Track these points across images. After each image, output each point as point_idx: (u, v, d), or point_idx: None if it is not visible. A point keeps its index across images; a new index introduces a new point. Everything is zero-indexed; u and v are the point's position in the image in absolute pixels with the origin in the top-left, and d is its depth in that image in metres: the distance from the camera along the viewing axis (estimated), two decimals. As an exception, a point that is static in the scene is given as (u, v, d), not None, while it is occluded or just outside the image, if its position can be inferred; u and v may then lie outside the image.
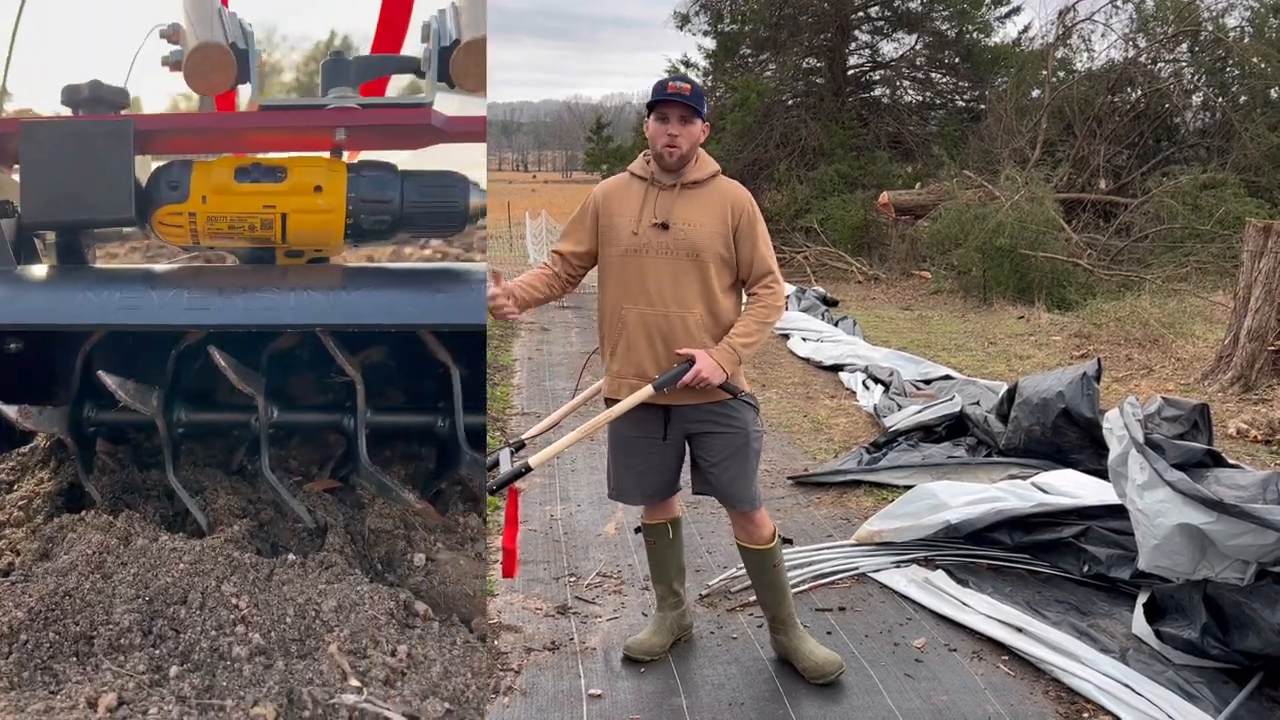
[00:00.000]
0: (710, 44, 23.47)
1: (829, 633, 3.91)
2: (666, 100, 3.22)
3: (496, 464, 3.67)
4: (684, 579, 3.91)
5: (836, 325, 11.21)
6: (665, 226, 3.27)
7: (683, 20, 23.31)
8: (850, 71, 22.89)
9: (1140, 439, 3.59)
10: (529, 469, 3.42)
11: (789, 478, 5.87)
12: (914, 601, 4.14)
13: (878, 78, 23.42)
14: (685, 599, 3.91)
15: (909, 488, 5.50)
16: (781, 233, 19.26)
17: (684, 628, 3.88)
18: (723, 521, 5.12)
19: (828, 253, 17.75)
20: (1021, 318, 12.14)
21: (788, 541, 4.10)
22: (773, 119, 20.97)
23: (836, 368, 9.21)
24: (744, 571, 4.33)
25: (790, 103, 21.82)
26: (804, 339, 10.61)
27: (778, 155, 20.63)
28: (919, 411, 6.64)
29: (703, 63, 23.88)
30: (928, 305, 14.01)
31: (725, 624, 4.03)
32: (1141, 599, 3.78)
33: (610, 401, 3.47)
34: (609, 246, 3.38)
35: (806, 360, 9.87)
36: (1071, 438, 5.40)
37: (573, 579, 4.51)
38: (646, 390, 3.28)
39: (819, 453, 6.47)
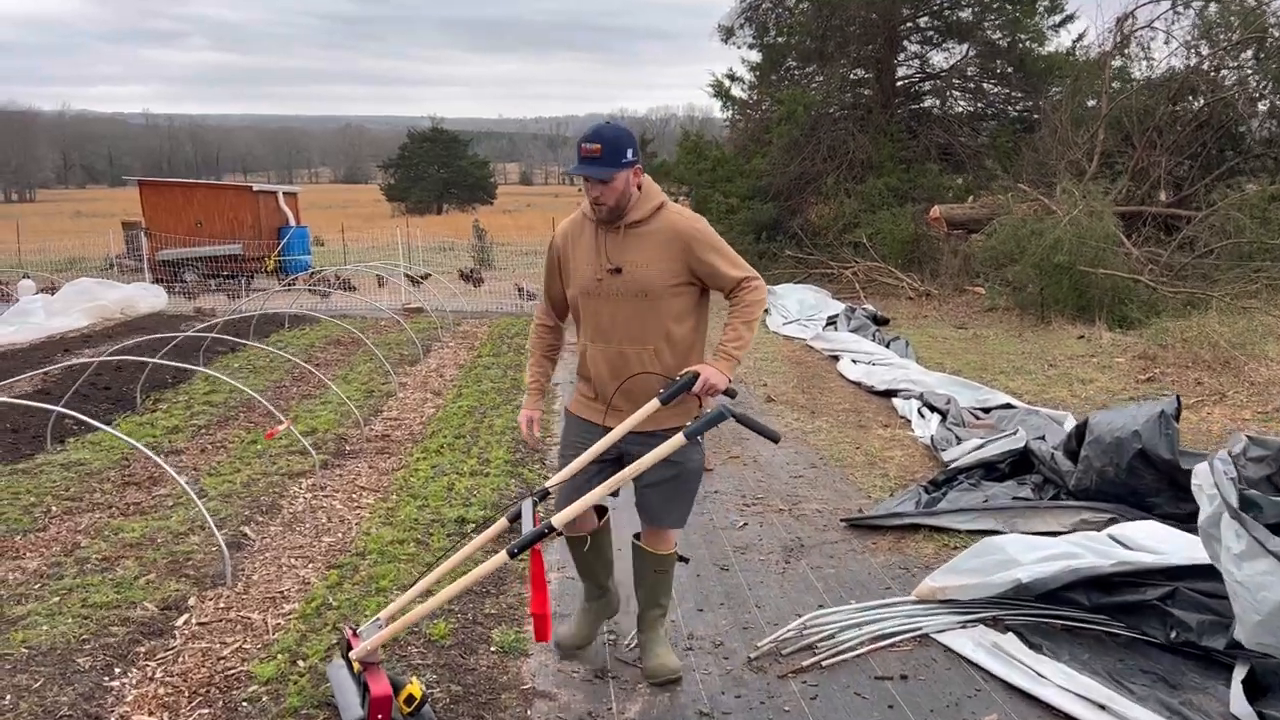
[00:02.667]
0: (755, 57, 23.14)
1: (890, 706, 3.58)
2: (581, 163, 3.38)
3: (519, 516, 3.42)
4: (610, 572, 4.01)
5: (888, 346, 10.84)
6: (618, 271, 3.46)
7: (726, 34, 23.01)
8: (899, 82, 22.42)
9: (1234, 502, 3.22)
10: (552, 530, 3.18)
11: (843, 520, 5.53)
12: (982, 669, 3.79)
13: (927, 88, 22.92)
14: (611, 588, 4.04)
15: (972, 533, 5.19)
16: (829, 247, 18.88)
17: (610, 614, 4.11)
18: (772, 571, 4.81)
19: (877, 268, 17.32)
20: (1082, 337, 11.67)
21: (684, 560, 3.95)
22: (820, 132, 20.59)
23: (889, 393, 8.84)
24: (795, 630, 4.07)
25: (838, 115, 21.39)
26: (854, 361, 10.26)
27: (825, 168, 20.23)
28: (980, 446, 6.27)
29: (748, 76, 23.56)
30: (982, 323, 13.56)
31: (776, 693, 3.70)
32: (1239, 674, 3.41)
33: (571, 414, 3.78)
34: (571, 287, 3.63)
35: (858, 384, 9.51)
36: (1148, 480, 5.02)
37: (613, 637, 4.21)
38: (653, 404, 3.40)
39: (874, 490, 6.12)
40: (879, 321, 12.80)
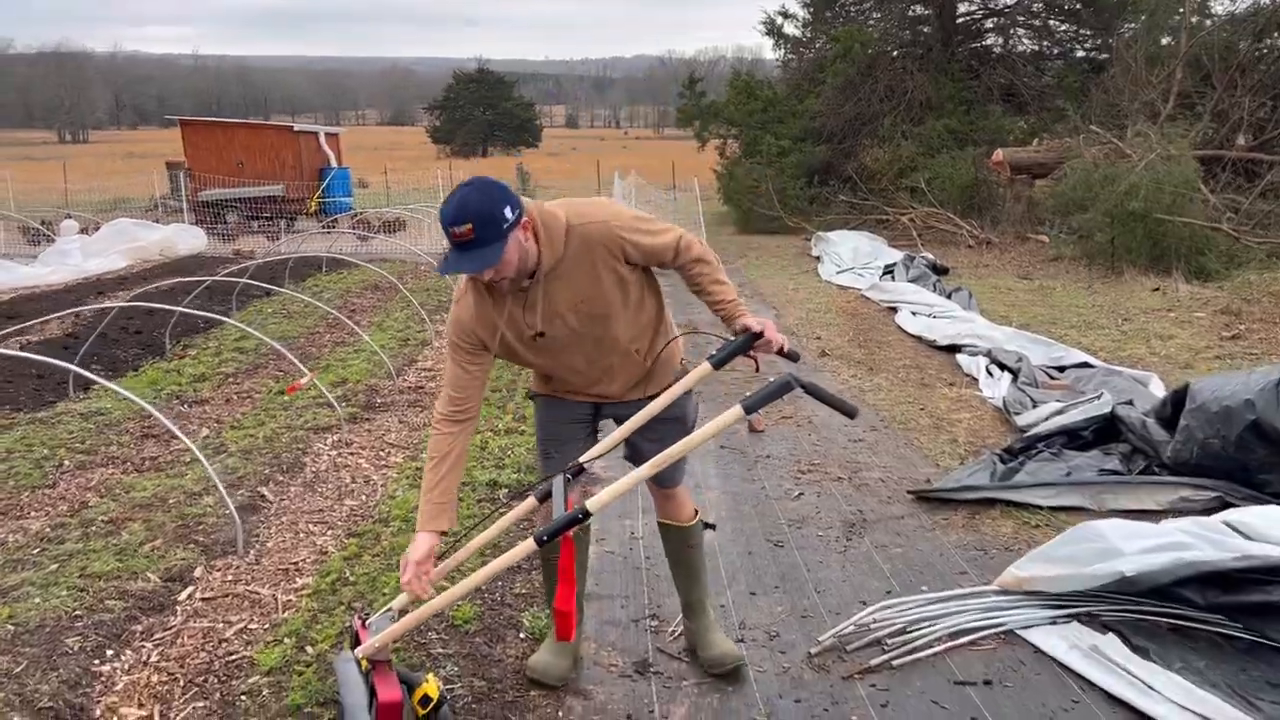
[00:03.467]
0: (810, -7, 22.21)
1: (974, 718, 3.11)
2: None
3: (549, 496, 2.99)
4: (584, 586, 3.64)
5: (950, 297, 10.23)
6: (545, 332, 2.94)
7: (780, -33, 22.08)
8: (960, 19, 21.42)
9: None
10: (587, 515, 2.74)
11: (910, 492, 5.03)
12: (1079, 675, 3.31)
13: (990, 26, 21.90)
14: (581, 606, 3.53)
15: (1054, 509, 4.68)
16: (884, 192, 18.13)
17: (580, 640, 3.56)
18: (832, 549, 4.35)
19: (935, 214, 16.59)
20: (1157, 289, 10.96)
21: (710, 527, 3.55)
22: (876, 71, 19.74)
23: (953, 348, 8.28)
24: (863, 621, 3.61)
25: (895, 53, 20.51)
26: (914, 313, 9.69)
27: (882, 109, 19.42)
28: (1061, 411, 5.72)
29: (801, 12, 22.65)
30: (1047, 273, 12.85)
31: (841, 697, 3.25)
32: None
33: (546, 395, 3.27)
34: (507, 353, 3.04)
35: (918, 338, 8.94)
36: (1261, 455, 4.46)
37: (655, 623, 3.78)
38: (704, 368, 2.97)
39: (941, 457, 5.61)
40: (939, 271, 12.16)
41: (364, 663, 2.91)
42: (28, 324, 6.98)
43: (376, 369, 7.83)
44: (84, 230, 17.58)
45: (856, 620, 3.64)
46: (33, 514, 4.89)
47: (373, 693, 2.80)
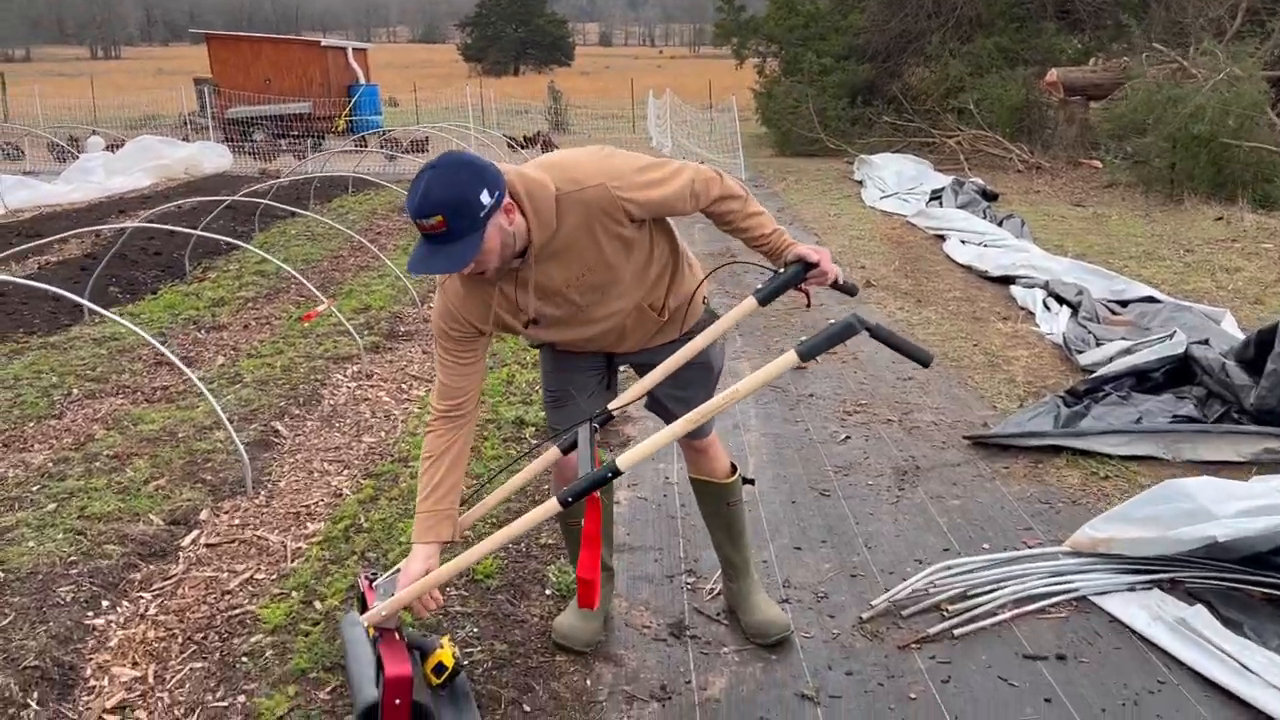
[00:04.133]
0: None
1: (1048, 700, 2.79)
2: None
3: (573, 447, 2.68)
4: (611, 547, 3.27)
5: (1000, 225, 9.73)
6: (545, 313, 2.58)
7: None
8: (1014, -70, 20.37)
9: None
10: (616, 473, 2.43)
11: (966, 437, 4.68)
12: (1163, 651, 2.98)
13: (1045, -64, 20.82)
14: (611, 566, 3.26)
15: (1125, 459, 4.32)
16: (930, 113, 17.44)
17: (609, 599, 3.25)
18: (882, 500, 4.02)
19: (983, 137, 15.93)
20: (1220, 219, 10.39)
21: (749, 481, 3.18)
22: (924, -15, 18.88)
23: (1006, 279, 7.83)
24: (921, 582, 3.30)
25: (945, -34, 19.58)
26: (963, 241, 9.22)
27: (929, 26, 18.58)
28: (1129, 350, 5.32)
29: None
30: (1102, 200, 12.27)
31: (897, 670, 2.94)
32: None
33: (543, 343, 2.85)
34: (506, 333, 2.71)
35: (968, 269, 8.49)
36: (1359, 405, 4.06)
37: (691, 580, 3.48)
38: (748, 304, 2.66)
39: (998, 399, 5.23)
40: (988, 197, 11.61)
41: (370, 629, 2.63)
42: (46, 241, 6.71)
43: (400, 295, 7.52)
44: (110, 147, 17.29)
45: (912, 584, 3.32)
46: (36, 446, 4.65)
47: (380, 663, 2.53)
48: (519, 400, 5.11)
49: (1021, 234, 9.38)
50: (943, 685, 2.87)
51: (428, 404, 5.07)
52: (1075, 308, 6.53)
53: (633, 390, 2.76)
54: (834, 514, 3.96)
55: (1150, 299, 6.70)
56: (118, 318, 4.26)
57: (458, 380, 2.60)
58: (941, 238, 9.71)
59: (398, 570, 2.71)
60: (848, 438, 4.76)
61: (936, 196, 11.66)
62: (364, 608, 2.76)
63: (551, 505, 2.50)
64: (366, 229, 10.78)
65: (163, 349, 4.12)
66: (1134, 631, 3.08)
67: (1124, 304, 6.72)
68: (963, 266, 8.59)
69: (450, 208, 2.21)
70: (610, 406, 2.77)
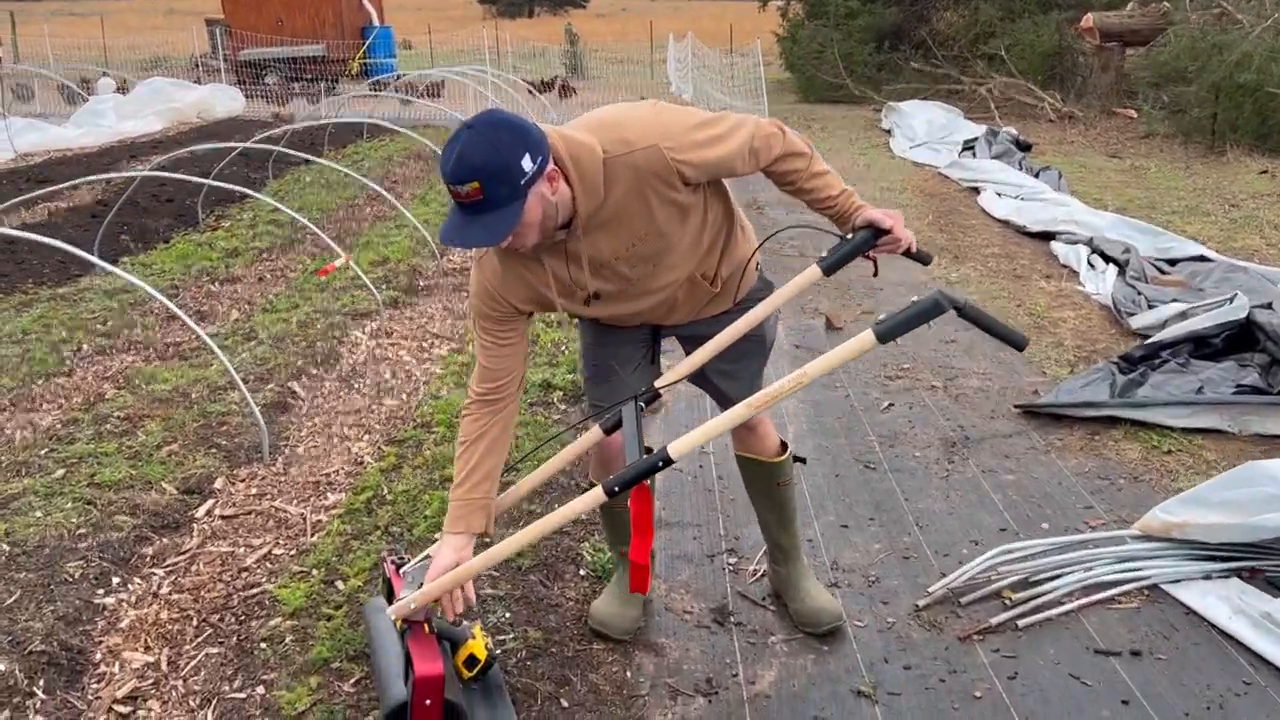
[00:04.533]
0: None
1: (1125, 702, 2.59)
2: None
3: (616, 427, 2.48)
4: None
5: (1037, 176, 9.40)
6: (599, 290, 2.35)
7: None
8: None
9: None
10: (668, 462, 2.22)
11: (1017, 406, 4.45)
12: (1247, 648, 2.77)
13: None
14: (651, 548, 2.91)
15: (1187, 431, 4.09)
16: (959, 60, 16.95)
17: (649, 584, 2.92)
18: (932, 474, 3.82)
19: (1014, 85, 15.46)
20: (1265, 172, 10.03)
21: (801, 461, 2.97)
22: (955, -76, 18.27)
23: (1046, 235, 7.54)
24: (981, 567, 3.10)
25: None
26: (999, 194, 8.90)
27: (958, -32, 18.02)
28: (1185, 314, 5.06)
29: None
30: (1139, 152, 11.88)
31: (959, 665, 2.75)
32: None
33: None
34: (552, 311, 2.45)
35: (1005, 223, 8.19)
36: None
37: (733, 560, 3.29)
38: (810, 274, 2.44)
39: (1047, 364, 4.99)
40: (1022, 148, 11.24)
41: (398, 622, 2.44)
42: (57, 189, 6.48)
43: (419, 247, 7.29)
44: (120, 89, 16.99)
45: (972, 570, 3.12)
46: (44, 406, 4.47)
47: (409, 659, 2.34)
48: (545, 362, 4.89)
49: (1059, 187, 9.06)
50: (1009, 682, 2.68)
51: (450, 363, 4.86)
52: (1122, 266, 6.26)
53: (681, 367, 2.54)
54: (881, 489, 3.75)
55: (1201, 258, 6.41)
56: (127, 274, 4.05)
57: (497, 362, 2.38)
58: (976, 190, 9.39)
59: (427, 557, 2.52)
60: (891, 405, 4.54)
61: (969, 147, 11.30)
62: (390, 594, 2.57)
63: (596, 495, 2.29)
64: (383, 176, 10.52)
65: (175, 309, 3.91)
66: (1213, 625, 2.87)
67: (1172, 263, 6.45)
68: (1000, 221, 8.28)
69: (488, 174, 1.97)
70: (657, 385, 2.54)
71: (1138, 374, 4.54)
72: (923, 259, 2.59)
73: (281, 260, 7.15)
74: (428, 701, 2.28)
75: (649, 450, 2.40)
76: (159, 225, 8.32)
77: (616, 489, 2.26)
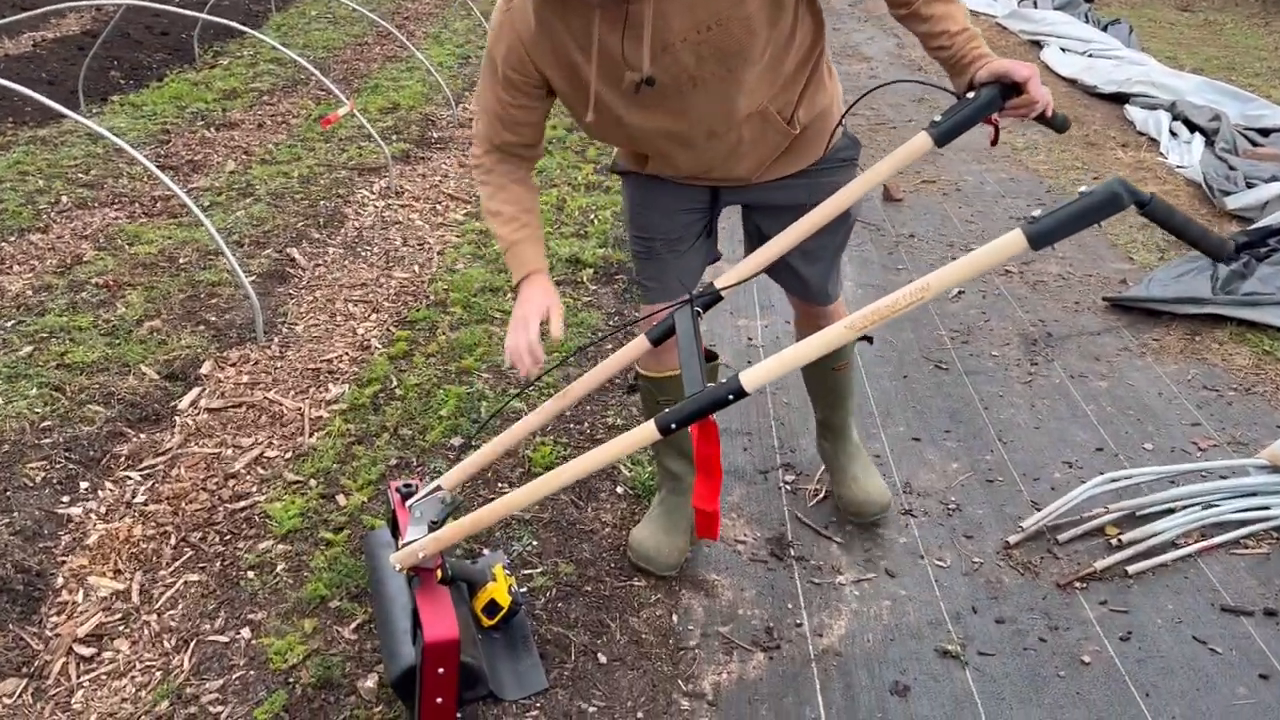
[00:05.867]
0: None
1: (1264, 676, 2.19)
2: None
3: (666, 336, 2.04)
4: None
5: (1105, 30, 8.60)
6: (654, 76, 1.79)
7: None
8: None
9: None
10: (740, 394, 1.76)
11: (1105, 299, 3.95)
12: (1403, 612, 2.36)
13: None
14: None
15: (1305, 336, 3.60)
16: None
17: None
18: (1012, 377, 3.35)
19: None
20: (1353, 32, 9.21)
21: (868, 340, 2.46)
22: None
23: (1119, 97, 6.86)
24: (1080, 499, 2.67)
25: None
26: (1064, 49, 8.14)
27: None
28: (1295, 195, 4.49)
29: None
30: (1212, 5, 10.96)
31: (1061, 621, 2.34)
32: None
33: (645, 176, 2.17)
34: (587, 111, 1.87)
35: (1073, 82, 7.48)
36: None
37: (791, 478, 2.87)
38: (919, 143, 1.89)
39: (1134, 249, 4.46)
40: (1088, -2, 10.35)
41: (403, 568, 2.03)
42: (41, 13, 5.85)
43: (433, 93, 6.67)
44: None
45: (1070, 501, 2.69)
46: (15, 268, 4.00)
47: (417, 616, 1.94)
48: (572, 233, 4.38)
49: (1130, 43, 8.28)
50: (1122, 645, 2.28)
51: (466, 231, 4.37)
52: (1210, 136, 5.64)
53: (751, 260, 2.04)
54: (956, 395, 3.30)
55: (1300, 128, 5.77)
56: (92, 124, 3.52)
57: (513, 116, 1.96)
58: (1038, 44, 8.62)
59: (437, 488, 2.09)
60: (961, 293, 4.04)
61: (1028, -5, 10.40)
62: (396, 529, 2.16)
63: (648, 430, 1.84)
64: (393, 12, 9.74)
65: (155, 169, 3.39)
66: (1360, 581, 2.46)
67: (1265, 133, 5.81)
68: (1066, 80, 7.56)
69: None
70: (719, 285, 2.06)
71: (1241, 265, 4.02)
72: (1058, 125, 2.06)
73: (283, 104, 6.55)
74: (440, 670, 1.89)
75: (711, 355, 1.94)
76: (152, 60, 7.68)
77: (674, 425, 1.81)
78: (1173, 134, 5.91)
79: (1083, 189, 1.60)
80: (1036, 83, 1.87)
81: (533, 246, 2.04)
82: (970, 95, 1.92)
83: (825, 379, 2.60)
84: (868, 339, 2.63)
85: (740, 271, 2.06)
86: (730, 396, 1.79)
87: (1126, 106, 6.65)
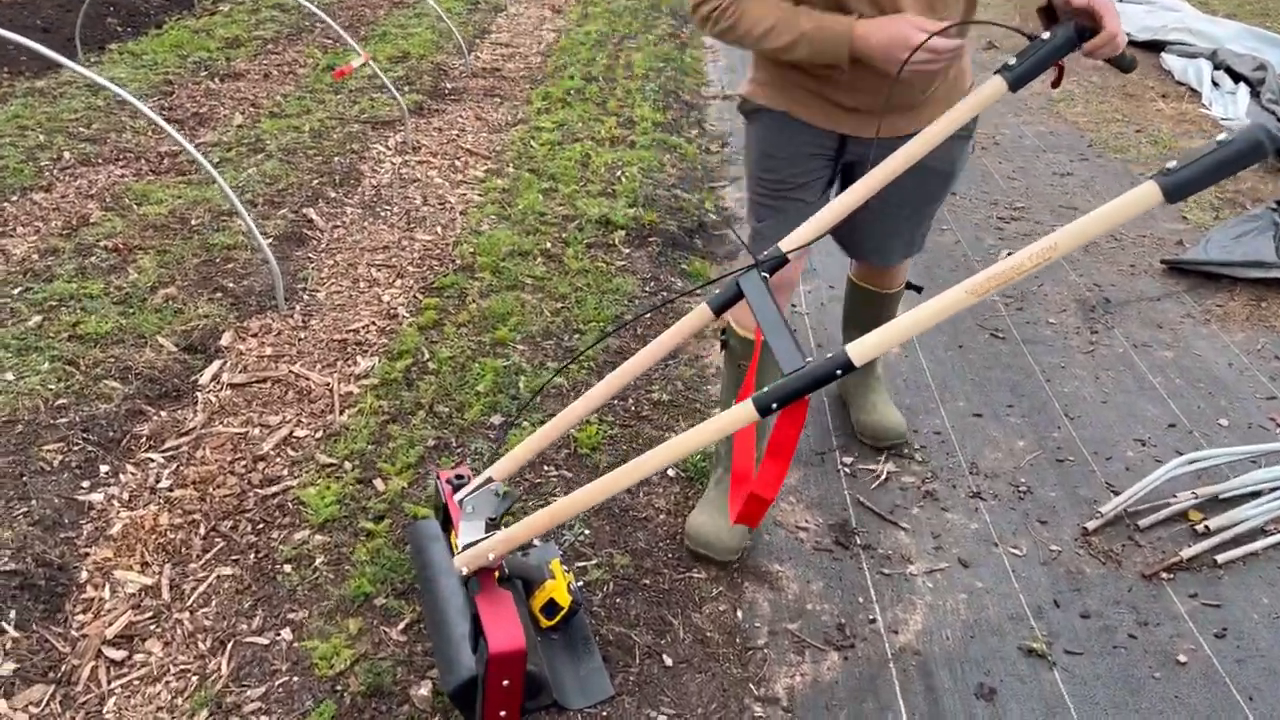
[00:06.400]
0: None
1: (1372, 680, 2.06)
2: None
3: (732, 301, 1.89)
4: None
5: (1135, -25, 8.30)
6: None
7: None
8: None
9: None
10: (849, 368, 1.62)
11: (1164, 262, 3.77)
12: None
13: None
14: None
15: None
16: None
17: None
18: (1073, 347, 3.20)
19: None
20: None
21: (916, 289, 2.63)
22: None
23: (1155, 45, 6.62)
24: (1160, 480, 2.54)
25: None
26: (1093, -5, 7.85)
27: None
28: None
29: None
30: (1239, -52, 10.62)
31: (1150, 614, 2.21)
32: None
33: (759, 108, 2.16)
34: None
35: (1105, 30, 7.21)
36: None
37: (849, 460, 2.72)
38: (993, 87, 1.81)
39: (1188, 207, 4.27)
40: (1111, -61, 9.99)
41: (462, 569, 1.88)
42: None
43: (444, 41, 6.42)
44: None
45: (1149, 485, 2.54)
46: (18, 230, 3.81)
47: (477, 621, 1.80)
48: (600, 192, 4.18)
49: (1162, -13, 8.00)
50: (1218, 643, 2.14)
51: (489, 189, 4.17)
52: (1255, 86, 5.43)
53: (831, 208, 1.88)
54: (1016, 366, 3.14)
55: (1347, 79, 5.56)
56: (88, 72, 3.33)
57: None
58: (1065, -11, 8.33)
59: (488, 480, 1.93)
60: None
61: (1052, -63, 10.07)
62: (447, 522, 2.01)
63: (745, 410, 1.67)
64: (397, -44, 9.41)
65: (160, 120, 3.18)
66: None
67: (1310, 84, 5.60)
68: (1098, 27, 7.30)
69: None
70: (785, 248, 1.90)
71: (1304, 225, 3.84)
72: (1125, 65, 1.91)
73: (289, 52, 6.30)
74: (505, 682, 1.75)
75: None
76: (149, 6, 7.39)
77: (775, 405, 1.65)
78: (1215, 84, 5.69)
79: (1220, 137, 1.44)
80: (1116, 20, 1.73)
81: (829, 13, 1.90)
82: (1045, 36, 1.78)
83: (867, 316, 2.62)
84: (917, 288, 2.56)
85: (804, 234, 1.89)
86: (839, 371, 1.63)
87: (1163, 54, 6.42)
